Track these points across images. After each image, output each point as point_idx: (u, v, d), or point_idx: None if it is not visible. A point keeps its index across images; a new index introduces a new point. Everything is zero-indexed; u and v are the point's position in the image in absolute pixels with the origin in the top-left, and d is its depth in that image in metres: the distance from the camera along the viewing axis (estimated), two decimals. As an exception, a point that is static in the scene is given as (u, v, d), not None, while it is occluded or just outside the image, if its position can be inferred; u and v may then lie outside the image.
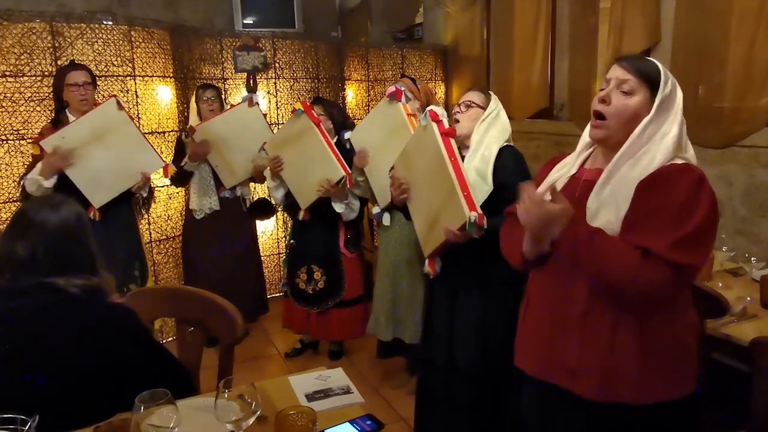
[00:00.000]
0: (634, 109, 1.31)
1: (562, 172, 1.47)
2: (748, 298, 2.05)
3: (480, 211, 1.80)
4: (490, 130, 2.04)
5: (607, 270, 1.24)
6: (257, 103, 3.42)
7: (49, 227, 1.30)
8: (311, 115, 2.89)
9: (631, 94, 1.31)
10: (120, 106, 2.75)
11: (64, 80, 2.70)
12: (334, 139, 3.11)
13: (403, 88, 2.52)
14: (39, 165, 2.62)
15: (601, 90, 1.35)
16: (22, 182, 2.72)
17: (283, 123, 4.10)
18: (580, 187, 1.39)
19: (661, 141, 1.29)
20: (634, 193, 1.26)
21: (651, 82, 1.31)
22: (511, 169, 1.97)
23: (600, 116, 1.34)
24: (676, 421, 1.33)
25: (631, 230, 1.25)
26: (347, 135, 2.86)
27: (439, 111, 1.96)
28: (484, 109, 2.08)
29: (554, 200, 1.26)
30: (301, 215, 3.09)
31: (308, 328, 3.31)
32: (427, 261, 2.10)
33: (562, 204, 1.25)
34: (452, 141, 1.93)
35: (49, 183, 2.61)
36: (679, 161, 1.29)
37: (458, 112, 2.09)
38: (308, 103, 2.98)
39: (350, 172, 2.87)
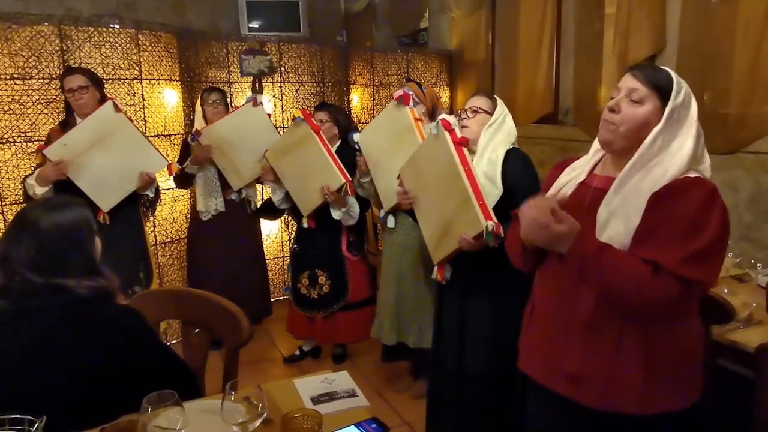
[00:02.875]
0: (643, 117, 1.29)
1: (572, 176, 1.47)
2: (754, 304, 2.04)
3: (496, 220, 1.81)
4: (496, 135, 2.05)
5: (615, 286, 1.24)
6: (261, 103, 3.43)
7: (41, 228, 1.30)
8: (311, 123, 2.90)
9: (640, 103, 1.30)
10: (117, 108, 2.75)
11: (64, 85, 2.72)
12: (338, 143, 3.13)
13: (410, 92, 2.53)
14: (37, 171, 2.65)
15: (611, 98, 1.35)
16: (23, 184, 2.75)
17: (288, 127, 4.11)
18: (590, 195, 1.38)
19: (676, 154, 1.27)
20: (646, 206, 1.25)
21: (662, 91, 1.29)
22: (520, 171, 1.98)
23: (609, 122, 1.34)
24: (679, 431, 1.32)
25: (641, 243, 1.25)
26: (356, 137, 2.87)
27: (452, 120, 1.96)
28: (491, 114, 2.08)
29: (559, 220, 1.25)
30: (305, 223, 3.10)
31: (312, 334, 3.30)
32: (436, 268, 2.10)
33: (568, 223, 1.25)
34: (465, 150, 1.93)
35: (41, 190, 2.63)
36: (692, 174, 1.28)
37: (465, 117, 2.10)
38: (308, 111, 2.99)
39: (350, 179, 2.88)
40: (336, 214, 2.99)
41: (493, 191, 1.94)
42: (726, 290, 2.18)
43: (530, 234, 1.30)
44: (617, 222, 1.28)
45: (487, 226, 1.79)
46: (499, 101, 2.12)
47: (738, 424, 1.76)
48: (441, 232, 2.03)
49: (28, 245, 1.29)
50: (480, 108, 2.09)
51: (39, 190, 2.62)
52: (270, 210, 3.62)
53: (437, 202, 2.05)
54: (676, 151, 1.28)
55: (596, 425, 1.33)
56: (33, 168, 2.89)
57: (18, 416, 1.07)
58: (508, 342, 1.59)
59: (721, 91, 2.82)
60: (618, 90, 1.35)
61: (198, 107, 3.46)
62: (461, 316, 2.10)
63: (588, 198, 1.37)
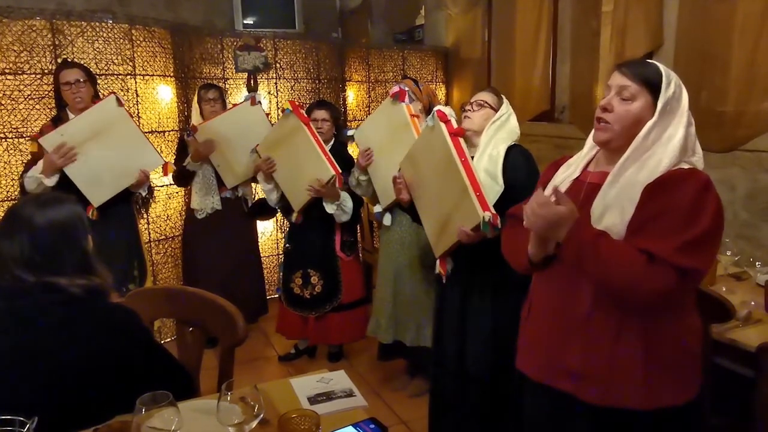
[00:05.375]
0: (636, 114, 1.30)
1: (567, 173, 1.47)
2: (753, 303, 2.04)
3: (493, 211, 1.80)
4: (499, 132, 2.04)
5: (611, 274, 1.23)
6: (259, 102, 3.40)
7: (34, 225, 1.28)
8: (300, 115, 2.87)
9: (631, 100, 1.31)
10: (119, 103, 2.72)
11: (59, 79, 2.68)
12: (333, 140, 3.10)
13: (406, 89, 2.51)
14: (40, 163, 2.60)
15: (604, 98, 1.36)
16: (21, 180, 2.70)
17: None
18: (584, 189, 1.38)
19: (667, 144, 1.28)
20: (641, 198, 1.26)
21: (652, 86, 1.30)
22: (521, 167, 1.97)
23: (603, 121, 1.34)
24: (678, 426, 1.32)
25: (636, 234, 1.25)
26: (350, 132, 2.84)
27: (447, 111, 1.95)
28: (496, 110, 2.07)
29: (559, 202, 1.26)
30: (294, 217, 3.06)
31: (304, 334, 3.27)
32: (438, 261, 2.09)
33: (568, 206, 1.26)
34: (461, 141, 1.92)
35: (51, 181, 2.59)
36: (686, 166, 1.29)
37: (470, 110, 2.09)
38: (296, 103, 2.94)
39: (340, 171, 2.84)
40: (329, 208, 2.95)
41: (494, 187, 1.93)
42: (724, 288, 2.17)
43: (532, 215, 1.29)
44: (612, 214, 1.29)
45: (483, 216, 1.78)
46: (505, 100, 2.12)
47: (738, 424, 1.76)
48: (441, 225, 2.02)
49: (23, 242, 1.26)
50: (486, 102, 2.08)
51: (48, 182, 2.58)
52: (263, 210, 3.59)
53: (436, 194, 2.04)
54: (668, 141, 1.29)
55: (598, 422, 1.33)
56: (24, 164, 2.85)
57: (8, 417, 1.04)
58: (509, 341, 1.58)
59: (718, 89, 2.81)
60: (609, 88, 1.35)
61: (195, 104, 3.43)
62: (462, 314, 2.09)
63: (583, 193, 1.38)
